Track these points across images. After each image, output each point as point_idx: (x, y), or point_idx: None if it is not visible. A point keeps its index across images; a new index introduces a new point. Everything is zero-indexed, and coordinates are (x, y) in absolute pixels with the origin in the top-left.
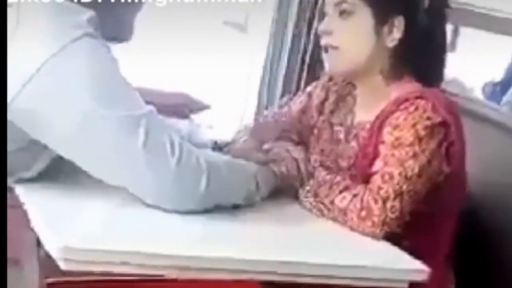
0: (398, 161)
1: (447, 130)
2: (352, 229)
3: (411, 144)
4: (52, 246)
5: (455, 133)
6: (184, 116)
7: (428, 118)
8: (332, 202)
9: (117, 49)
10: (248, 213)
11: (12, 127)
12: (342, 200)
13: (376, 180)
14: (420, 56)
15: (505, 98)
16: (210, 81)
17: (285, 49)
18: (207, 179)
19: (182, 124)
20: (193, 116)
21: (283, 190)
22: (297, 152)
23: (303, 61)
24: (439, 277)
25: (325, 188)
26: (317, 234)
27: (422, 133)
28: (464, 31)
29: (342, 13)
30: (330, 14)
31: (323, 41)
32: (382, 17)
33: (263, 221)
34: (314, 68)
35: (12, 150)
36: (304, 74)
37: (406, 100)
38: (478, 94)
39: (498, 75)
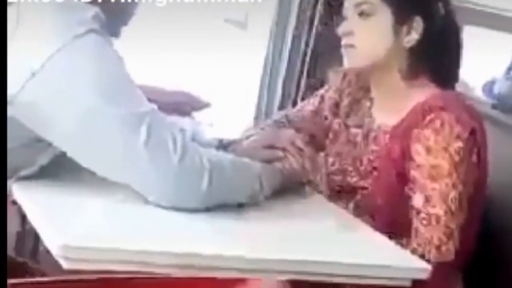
0: (441, 197)
1: (475, 137)
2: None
3: (449, 174)
4: (53, 244)
5: (481, 137)
6: (185, 114)
7: (458, 137)
8: None
9: (119, 47)
10: (252, 211)
11: (15, 123)
12: None
13: (424, 228)
14: (436, 57)
15: (498, 92)
16: (210, 79)
17: (286, 47)
18: (209, 177)
19: (186, 123)
20: (194, 114)
21: (289, 187)
22: (303, 144)
23: (303, 59)
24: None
25: None
26: (321, 232)
27: (457, 157)
28: (467, 29)
29: (362, 13)
30: (349, 15)
31: (344, 41)
32: (401, 17)
33: (268, 218)
34: (314, 66)
35: (15, 147)
36: (305, 72)
37: (430, 110)
38: (478, 93)
39: (498, 74)
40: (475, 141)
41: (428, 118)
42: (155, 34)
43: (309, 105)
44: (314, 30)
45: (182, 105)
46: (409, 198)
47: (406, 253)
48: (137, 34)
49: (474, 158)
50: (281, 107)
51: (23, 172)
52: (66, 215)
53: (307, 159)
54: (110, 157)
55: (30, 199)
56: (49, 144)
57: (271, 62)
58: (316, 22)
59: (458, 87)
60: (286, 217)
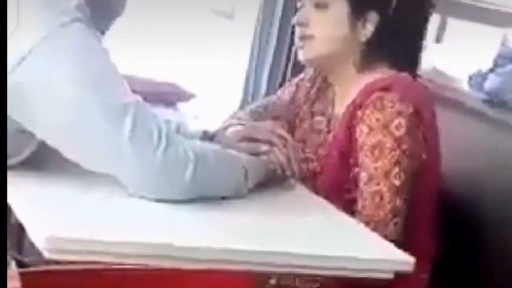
0: (384, 174)
1: (420, 117)
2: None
3: (391, 151)
4: (37, 236)
5: (428, 120)
6: (170, 104)
7: (399, 114)
8: None
9: (105, 37)
10: (236, 203)
11: None
12: None
13: (368, 205)
14: (392, 46)
15: (487, 87)
16: (196, 70)
17: (272, 37)
18: (193, 169)
19: (171, 114)
20: (179, 104)
21: (273, 179)
22: (285, 132)
23: (289, 49)
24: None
25: None
26: (303, 224)
27: (397, 133)
28: (451, 22)
29: (318, 5)
30: (305, 5)
31: (298, 32)
32: (357, 11)
33: (251, 210)
34: None
35: None
36: (291, 63)
37: (373, 91)
38: (465, 85)
39: (484, 66)
40: (420, 120)
41: (370, 98)
42: (141, 24)
43: (285, 93)
44: None
45: (168, 96)
46: (356, 180)
47: (389, 245)
48: (123, 24)
49: (420, 137)
50: (267, 97)
51: (8, 163)
52: (50, 207)
53: (291, 148)
54: (94, 148)
55: (14, 190)
56: (33, 135)
57: (257, 52)
58: None
59: (441, 79)
60: (270, 209)
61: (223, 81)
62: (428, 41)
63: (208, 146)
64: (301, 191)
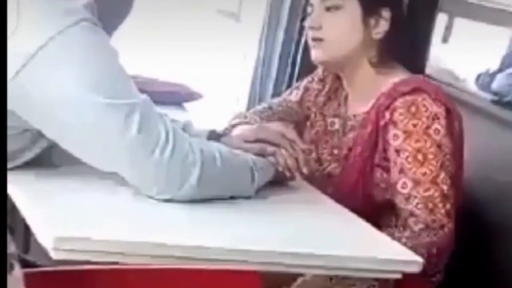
0: (432, 180)
1: (452, 116)
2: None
3: (435, 155)
4: (43, 236)
5: (456, 116)
6: (177, 104)
7: (436, 117)
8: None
9: (112, 37)
10: (244, 203)
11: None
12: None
13: (422, 211)
14: (405, 46)
15: (494, 87)
16: (203, 71)
17: (279, 38)
18: (200, 170)
19: (178, 114)
20: (186, 104)
21: (281, 181)
22: (295, 135)
23: (296, 50)
24: None
25: None
26: (311, 224)
27: (438, 138)
28: (458, 21)
29: (330, 7)
30: (316, 8)
31: (311, 35)
32: (369, 9)
33: (258, 210)
34: (308, 58)
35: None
36: (298, 64)
37: (400, 93)
38: (472, 85)
39: (492, 66)
40: (452, 119)
41: (399, 100)
42: (148, 24)
43: (292, 95)
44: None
45: (175, 96)
46: (384, 183)
47: (397, 245)
48: (129, 24)
49: (454, 135)
50: (274, 98)
51: (14, 162)
52: (56, 207)
53: (299, 150)
54: (102, 147)
55: (20, 190)
56: (40, 134)
57: (264, 53)
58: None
59: (448, 78)
60: (278, 209)
61: (230, 82)
62: (435, 41)
63: (215, 146)
64: (309, 191)
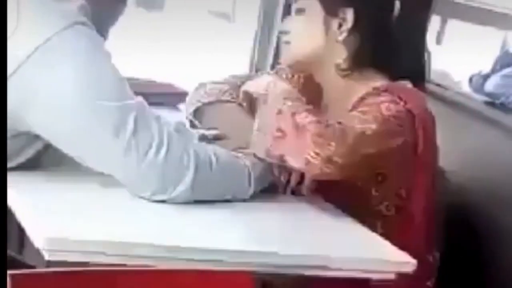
0: (360, 120)
1: (412, 118)
2: (291, 150)
3: (375, 116)
4: (37, 237)
5: (422, 124)
6: (171, 106)
7: (395, 102)
8: (293, 114)
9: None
10: (240, 205)
11: None
12: (304, 118)
13: (350, 120)
14: (379, 51)
15: (487, 88)
16: (197, 71)
17: (272, 39)
18: (194, 172)
19: (172, 116)
20: (180, 106)
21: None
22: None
23: None
24: None
25: (291, 100)
26: (305, 226)
27: (386, 112)
28: (451, 23)
29: (297, 11)
30: (292, 13)
31: (283, 39)
32: (331, 10)
33: (255, 212)
34: None
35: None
36: None
37: (371, 95)
38: (465, 87)
39: (485, 68)
40: (411, 121)
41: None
42: (141, 25)
43: None
44: None
45: (168, 97)
46: None
47: (391, 246)
48: (122, 26)
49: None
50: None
51: (9, 164)
52: (50, 208)
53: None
54: (97, 149)
55: (14, 191)
56: (35, 136)
57: (257, 54)
58: None
59: (442, 80)
60: (273, 211)
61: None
62: (429, 43)
63: (212, 150)
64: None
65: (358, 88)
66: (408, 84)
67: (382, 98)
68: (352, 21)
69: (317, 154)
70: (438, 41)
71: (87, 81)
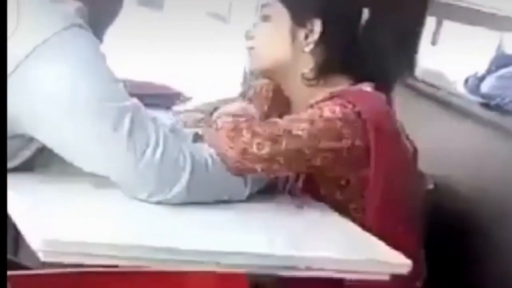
0: (292, 119)
1: (362, 121)
2: (216, 148)
3: (312, 117)
4: (33, 238)
5: (374, 126)
6: (166, 107)
7: (343, 106)
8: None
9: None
10: (234, 205)
11: None
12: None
13: (284, 119)
14: (346, 58)
15: (483, 90)
16: (192, 73)
17: None
18: (190, 172)
19: (167, 117)
20: (175, 107)
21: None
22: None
23: None
24: None
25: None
26: (299, 226)
27: (329, 114)
28: (447, 24)
29: (264, 17)
30: (257, 19)
31: (246, 44)
32: (299, 20)
33: (249, 213)
34: None
35: None
36: None
37: (325, 100)
38: (461, 88)
39: (481, 69)
40: (356, 125)
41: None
42: (137, 26)
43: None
44: None
45: (163, 98)
46: None
47: (386, 247)
48: (119, 27)
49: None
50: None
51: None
52: (46, 209)
53: None
54: (92, 150)
55: (10, 193)
56: (31, 139)
57: None
58: None
59: (437, 81)
60: (268, 211)
61: (219, 84)
62: (424, 43)
63: (207, 150)
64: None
65: (318, 94)
66: (366, 88)
67: (329, 102)
68: (319, 33)
69: (231, 147)
70: (434, 41)
71: (85, 82)
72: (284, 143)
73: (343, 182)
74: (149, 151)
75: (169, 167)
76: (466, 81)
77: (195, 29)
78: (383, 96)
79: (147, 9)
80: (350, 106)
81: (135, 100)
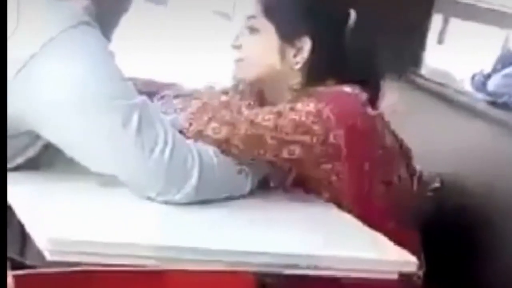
0: (261, 111)
1: (333, 119)
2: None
3: (279, 110)
4: (39, 237)
5: (345, 124)
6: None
7: (314, 103)
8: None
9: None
10: (237, 203)
11: None
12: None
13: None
14: (333, 66)
15: (490, 88)
16: (198, 71)
17: None
18: (199, 170)
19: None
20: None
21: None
22: None
23: None
24: None
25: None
26: (306, 224)
27: (299, 108)
28: (454, 22)
29: (251, 29)
30: (241, 27)
31: (234, 55)
32: (287, 38)
33: (253, 209)
34: None
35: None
36: None
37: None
38: (467, 86)
39: (487, 67)
40: (327, 125)
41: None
42: (142, 25)
43: None
44: None
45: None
46: None
47: (394, 246)
48: (125, 26)
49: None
50: None
51: (10, 164)
52: (52, 208)
53: None
54: (100, 149)
55: (16, 191)
56: (37, 136)
57: None
58: None
59: (444, 80)
60: (272, 209)
61: (224, 82)
62: (430, 42)
63: (210, 148)
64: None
65: (301, 96)
66: (346, 88)
67: (305, 98)
68: (308, 51)
69: (190, 125)
70: (440, 40)
71: (94, 79)
72: (243, 128)
73: (325, 183)
74: (158, 149)
75: (178, 165)
76: (473, 78)
77: (200, 28)
78: (361, 96)
79: (152, 5)
80: (321, 104)
81: (143, 98)
